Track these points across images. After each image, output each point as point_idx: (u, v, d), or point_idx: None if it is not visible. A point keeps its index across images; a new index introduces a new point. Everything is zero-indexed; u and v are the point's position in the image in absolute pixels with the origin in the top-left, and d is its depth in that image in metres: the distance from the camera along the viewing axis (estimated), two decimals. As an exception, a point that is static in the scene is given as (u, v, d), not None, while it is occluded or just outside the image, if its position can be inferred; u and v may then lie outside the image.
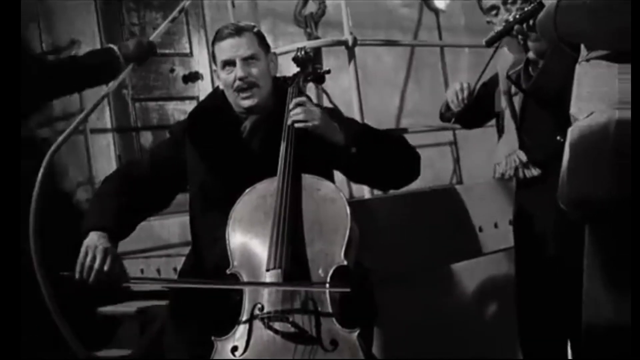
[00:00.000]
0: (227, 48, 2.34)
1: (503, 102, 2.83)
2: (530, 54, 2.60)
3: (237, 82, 2.34)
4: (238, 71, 2.33)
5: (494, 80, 2.92)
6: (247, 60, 2.34)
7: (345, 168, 2.36)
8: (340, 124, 2.32)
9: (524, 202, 2.85)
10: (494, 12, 2.73)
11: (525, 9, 2.34)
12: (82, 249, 2.16)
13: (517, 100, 2.78)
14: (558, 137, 2.60)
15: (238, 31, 2.35)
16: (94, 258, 2.13)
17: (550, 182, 2.68)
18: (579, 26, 1.88)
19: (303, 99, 2.29)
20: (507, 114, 2.80)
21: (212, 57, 2.43)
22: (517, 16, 2.37)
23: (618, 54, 1.84)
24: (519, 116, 2.76)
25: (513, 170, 2.76)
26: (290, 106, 2.27)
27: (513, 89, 2.77)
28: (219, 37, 2.38)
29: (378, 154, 2.29)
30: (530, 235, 2.81)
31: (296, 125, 2.24)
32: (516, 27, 2.39)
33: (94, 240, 2.17)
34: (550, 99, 2.52)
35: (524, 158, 2.71)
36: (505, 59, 2.78)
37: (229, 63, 2.35)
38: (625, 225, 1.83)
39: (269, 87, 2.39)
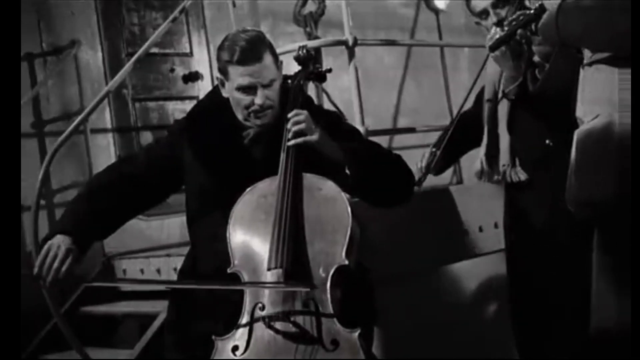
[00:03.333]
0: (247, 74, 2.24)
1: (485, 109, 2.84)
2: (536, 58, 2.60)
3: (255, 106, 2.27)
4: (258, 98, 2.26)
5: (479, 100, 2.93)
6: (267, 86, 2.27)
7: (339, 183, 2.34)
8: (339, 135, 2.29)
9: (514, 205, 2.87)
10: (483, 15, 2.73)
11: (527, 12, 2.33)
12: (45, 246, 2.15)
13: (503, 106, 2.78)
14: (547, 141, 2.61)
15: (256, 55, 2.24)
16: (54, 257, 2.12)
17: (538, 184, 2.70)
18: (580, 30, 1.89)
19: (304, 112, 2.23)
20: (485, 119, 2.82)
21: (223, 72, 2.30)
22: (519, 19, 2.36)
23: (620, 57, 1.85)
24: (507, 121, 2.77)
25: (501, 174, 2.78)
26: (289, 115, 2.23)
27: (499, 95, 2.77)
28: (235, 58, 2.24)
29: (373, 176, 2.26)
30: (520, 237, 2.83)
31: (293, 141, 2.20)
32: (519, 31, 2.38)
33: (58, 240, 2.16)
34: (555, 102, 2.53)
35: (485, 164, 2.75)
36: (492, 69, 2.77)
37: (248, 88, 2.26)
38: (629, 226, 1.84)
39: (279, 99, 2.34)
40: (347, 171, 2.22)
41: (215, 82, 2.42)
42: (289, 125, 2.22)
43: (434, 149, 2.93)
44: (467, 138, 3.00)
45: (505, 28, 2.44)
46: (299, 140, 2.20)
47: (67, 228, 2.21)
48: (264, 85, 2.26)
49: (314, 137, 2.20)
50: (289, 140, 2.22)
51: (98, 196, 2.32)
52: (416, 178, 2.87)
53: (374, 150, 2.36)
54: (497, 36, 2.48)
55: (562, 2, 1.92)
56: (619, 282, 1.90)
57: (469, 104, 3.06)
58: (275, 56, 2.31)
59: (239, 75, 2.25)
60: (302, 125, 2.20)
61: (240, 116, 2.33)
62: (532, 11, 2.23)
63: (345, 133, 2.41)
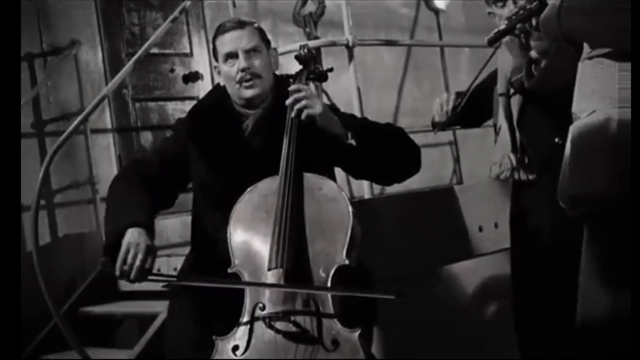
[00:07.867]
0: (230, 40, 2.35)
1: (499, 103, 2.84)
2: (533, 53, 2.59)
3: (240, 74, 2.33)
4: (241, 62, 2.33)
5: (493, 76, 2.92)
6: (250, 52, 2.35)
7: (346, 162, 2.35)
8: (339, 117, 2.33)
9: (521, 202, 2.86)
10: (500, 3, 2.71)
11: (527, 7, 2.33)
12: (124, 246, 2.11)
13: (515, 101, 2.78)
14: (556, 139, 2.61)
15: (240, 24, 2.38)
16: (135, 255, 2.10)
17: (546, 183, 2.70)
18: (582, 25, 1.89)
19: (305, 86, 2.30)
20: (501, 114, 2.81)
21: (213, 52, 2.43)
22: (519, 14, 2.36)
23: (620, 52, 1.85)
24: (516, 117, 2.77)
25: (509, 171, 2.77)
26: (292, 87, 2.28)
27: (511, 90, 2.77)
28: (221, 30, 2.38)
29: (378, 145, 2.28)
30: (526, 235, 2.82)
31: (297, 107, 2.22)
32: (518, 25, 2.38)
33: (135, 237, 2.12)
34: (551, 98, 2.53)
35: (514, 160, 2.74)
36: (504, 58, 2.78)
37: (232, 55, 2.35)
38: (622, 223, 1.84)
39: (270, 79, 2.40)
40: (353, 142, 2.24)
41: (215, 82, 2.44)
42: (290, 99, 2.25)
43: (458, 93, 2.92)
44: (476, 110, 2.98)
45: (505, 22, 2.45)
46: (304, 112, 2.22)
47: (137, 221, 2.17)
48: (246, 50, 2.34)
49: (317, 109, 2.22)
50: (292, 116, 2.24)
51: (136, 194, 2.29)
52: (438, 119, 2.93)
53: (375, 123, 2.41)
54: (496, 30, 2.49)
55: None
56: (606, 279, 1.90)
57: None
58: (262, 34, 2.40)
59: (223, 45, 2.37)
60: (304, 95, 2.24)
61: (233, 93, 2.38)
62: (532, 6, 2.24)
63: (344, 116, 2.43)
